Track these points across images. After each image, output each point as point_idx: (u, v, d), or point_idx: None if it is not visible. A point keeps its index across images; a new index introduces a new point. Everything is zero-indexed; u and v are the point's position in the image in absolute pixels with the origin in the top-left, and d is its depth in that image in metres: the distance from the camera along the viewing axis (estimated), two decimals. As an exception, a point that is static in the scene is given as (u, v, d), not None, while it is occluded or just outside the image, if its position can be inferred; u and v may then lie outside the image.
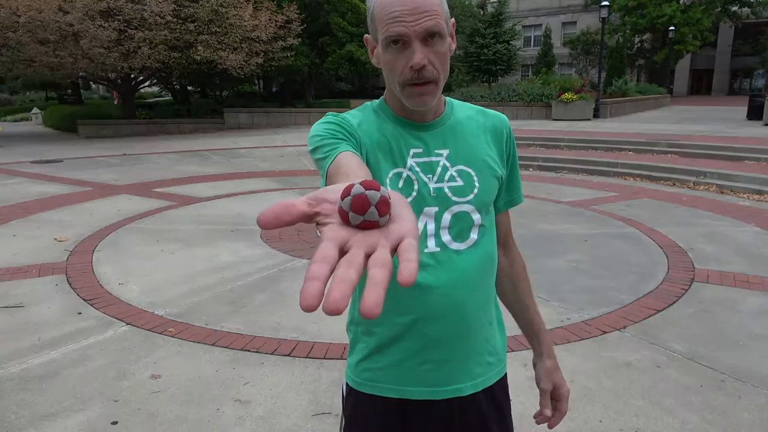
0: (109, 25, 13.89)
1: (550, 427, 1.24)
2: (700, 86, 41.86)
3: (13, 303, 3.88)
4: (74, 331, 3.43)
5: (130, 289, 4.15)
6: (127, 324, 3.54)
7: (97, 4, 13.78)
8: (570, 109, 17.43)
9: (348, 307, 0.56)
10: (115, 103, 24.43)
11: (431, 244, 1.05)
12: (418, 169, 1.05)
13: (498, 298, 1.23)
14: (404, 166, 1.05)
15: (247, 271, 4.54)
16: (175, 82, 23.16)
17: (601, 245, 5.29)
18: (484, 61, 21.47)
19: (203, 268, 4.64)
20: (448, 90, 21.59)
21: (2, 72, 17.30)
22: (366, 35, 1.05)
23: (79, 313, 3.71)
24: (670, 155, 10.37)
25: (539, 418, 1.21)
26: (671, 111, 21.94)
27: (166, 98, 29.40)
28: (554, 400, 1.22)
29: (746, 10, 34.06)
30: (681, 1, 32.08)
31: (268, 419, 2.53)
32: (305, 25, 18.79)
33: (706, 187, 8.27)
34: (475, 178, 1.07)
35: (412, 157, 1.05)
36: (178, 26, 14.84)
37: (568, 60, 35.37)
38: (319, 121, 1.03)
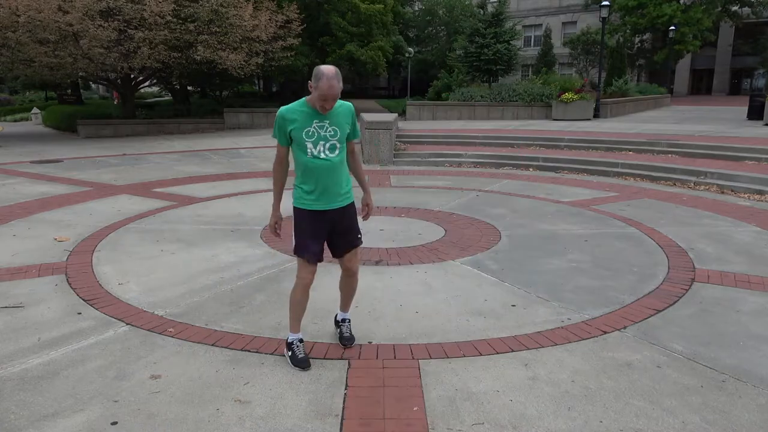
0: (109, 25, 13.89)
1: (365, 219, 3.18)
2: (701, 86, 41.88)
3: (13, 303, 3.88)
4: (74, 331, 3.43)
5: (129, 289, 4.15)
6: (127, 324, 3.54)
7: (97, 4, 13.78)
8: (570, 109, 17.42)
9: None
10: (115, 103, 24.43)
11: (321, 155, 2.83)
12: (316, 128, 2.82)
13: (349, 172, 3.04)
14: (310, 127, 2.81)
15: (247, 271, 4.54)
16: (175, 82, 23.15)
17: (601, 245, 5.29)
18: (484, 61, 21.42)
19: (203, 268, 4.64)
20: (448, 90, 21.58)
21: (2, 72, 17.30)
22: (309, 81, 2.72)
23: (79, 313, 3.71)
24: (670, 155, 10.36)
25: (362, 214, 3.17)
26: (671, 111, 21.95)
27: (166, 98, 29.38)
28: (365, 205, 3.16)
29: (746, 9, 34.10)
30: (681, 1, 32.09)
31: (268, 419, 2.53)
32: (305, 25, 18.80)
33: (707, 187, 8.27)
34: (338, 131, 2.85)
35: (314, 124, 2.82)
36: (178, 26, 14.83)
37: (568, 60, 35.38)
38: (277, 112, 2.85)
